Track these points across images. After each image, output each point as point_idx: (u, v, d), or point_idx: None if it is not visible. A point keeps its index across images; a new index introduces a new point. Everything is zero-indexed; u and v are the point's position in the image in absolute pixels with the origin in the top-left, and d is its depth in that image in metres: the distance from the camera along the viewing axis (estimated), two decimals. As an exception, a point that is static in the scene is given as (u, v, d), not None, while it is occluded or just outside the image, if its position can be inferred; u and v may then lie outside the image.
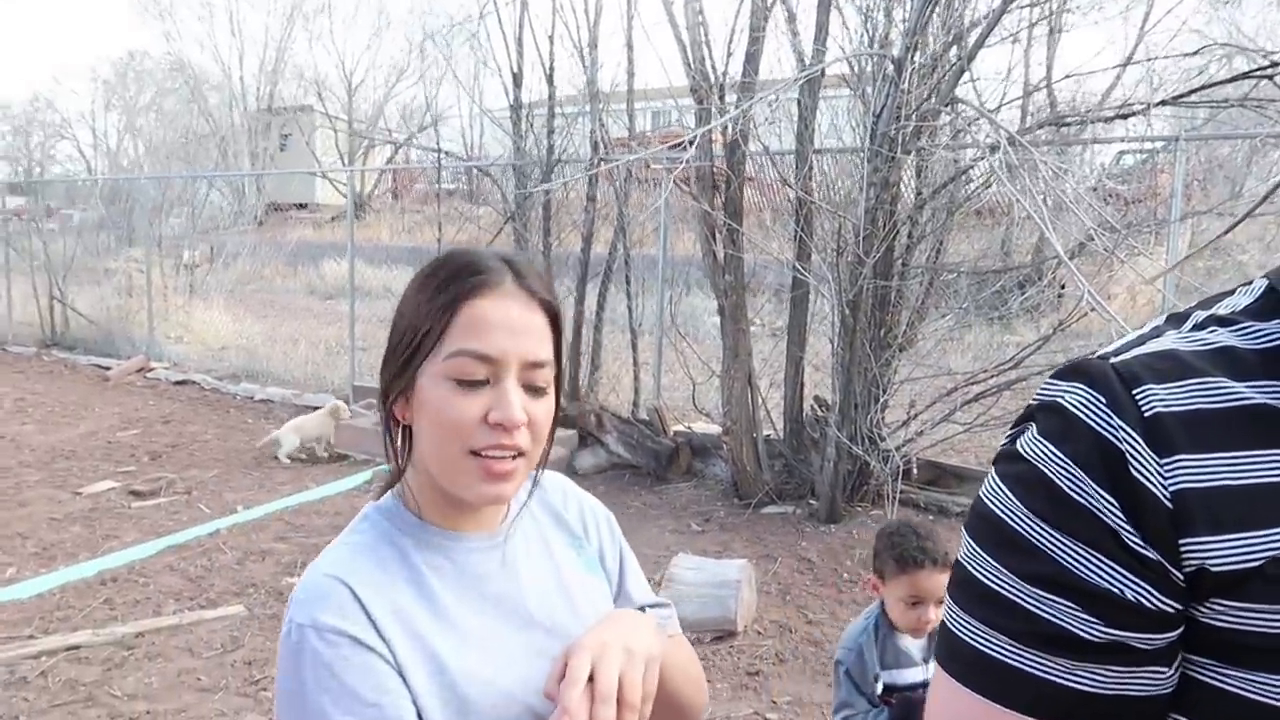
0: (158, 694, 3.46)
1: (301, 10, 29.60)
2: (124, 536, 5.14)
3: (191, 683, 3.55)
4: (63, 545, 4.98)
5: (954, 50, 5.21)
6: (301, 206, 25.88)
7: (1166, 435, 0.60)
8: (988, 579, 0.63)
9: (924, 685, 2.06)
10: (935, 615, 2.02)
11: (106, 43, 65.99)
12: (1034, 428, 0.65)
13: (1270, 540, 0.58)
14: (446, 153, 9.97)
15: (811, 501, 5.58)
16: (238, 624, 4.08)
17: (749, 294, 6.37)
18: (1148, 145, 7.08)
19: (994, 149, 4.47)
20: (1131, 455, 0.60)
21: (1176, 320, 0.69)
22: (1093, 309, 4.22)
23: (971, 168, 5.28)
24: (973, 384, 5.22)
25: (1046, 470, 0.62)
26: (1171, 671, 0.62)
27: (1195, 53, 5.57)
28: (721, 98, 5.72)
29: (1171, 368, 0.62)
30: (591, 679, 0.81)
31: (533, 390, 0.93)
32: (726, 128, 5.57)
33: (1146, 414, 0.61)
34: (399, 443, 0.98)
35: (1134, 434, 0.60)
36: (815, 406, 5.73)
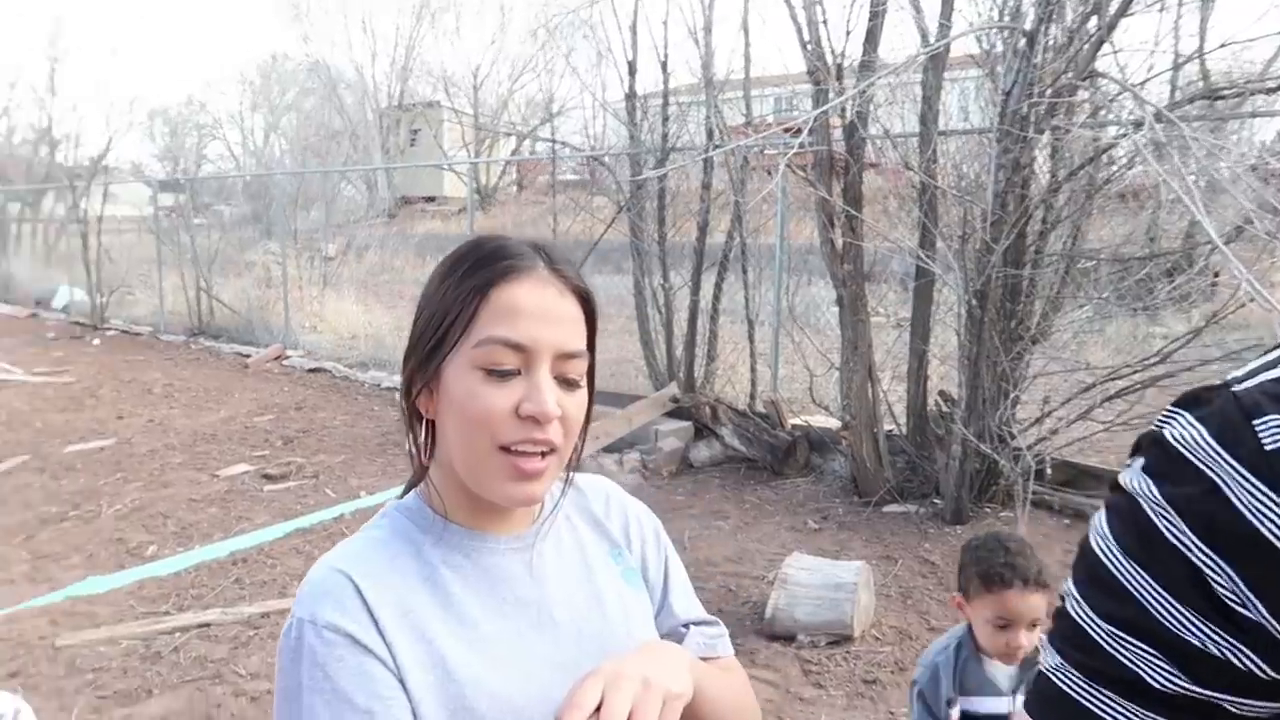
0: (279, 675, 3.57)
1: (429, 8, 30.41)
2: (255, 518, 5.36)
3: (310, 665, 3.65)
4: (199, 526, 5.24)
5: (1093, 20, 4.84)
6: (430, 199, 26.67)
7: None
8: (1075, 613, 0.61)
9: (1007, 718, 1.87)
10: (1027, 640, 1.82)
11: (254, 47, 69.73)
12: (1143, 460, 0.61)
13: None
14: (562, 143, 10.03)
15: (935, 501, 5.34)
16: (356, 608, 4.18)
17: (871, 283, 6.13)
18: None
19: (1138, 126, 4.13)
20: (1240, 495, 0.54)
21: None
22: (1252, 299, 3.84)
23: (1113, 147, 4.91)
24: (1115, 379, 4.86)
25: (1142, 507, 0.59)
26: None
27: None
28: (839, 79, 5.51)
29: None
30: (600, 709, 0.74)
31: (566, 383, 0.87)
32: (844, 110, 5.36)
33: (1269, 447, 0.54)
34: (422, 438, 0.93)
35: (1243, 471, 0.54)
36: (940, 401, 5.46)
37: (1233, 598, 0.54)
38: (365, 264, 15.11)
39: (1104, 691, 0.59)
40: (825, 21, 5.48)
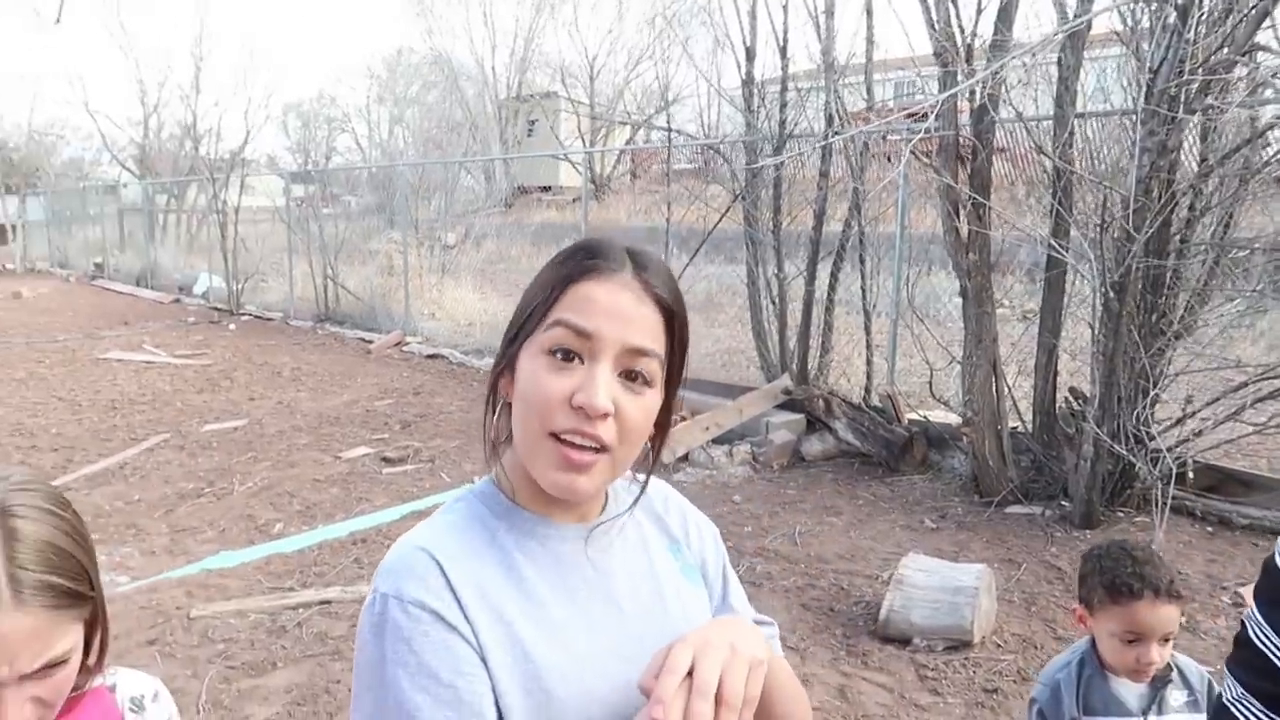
0: (394, 654, 3.66)
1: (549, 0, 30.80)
2: (374, 500, 5.53)
3: (424, 646, 3.73)
4: (322, 505, 5.43)
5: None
6: (546, 189, 27.06)
7: None
8: (1261, 640, 0.57)
9: None
10: (1158, 655, 1.68)
11: (381, 41, 72.15)
12: None
13: None
14: (678, 131, 9.96)
15: (1063, 503, 5.07)
16: (468, 592, 4.25)
17: (996, 274, 5.87)
18: None
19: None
20: None
21: None
22: None
23: (1273, 127, 4.54)
24: (1270, 378, 4.50)
25: None
26: None
27: None
28: (969, 60, 5.26)
29: None
30: (691, 674, 0.75)
31: (630, 380, 0.87)
32: (973, 93, 5.12)
33: None
34: (495, 418, 0.94)
35: None
36: (1071, 399, 5.18)
37: None
38: (483, 253, 15.45)
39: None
40: (954, 0, 5.25)
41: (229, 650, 3.66)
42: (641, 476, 1.00)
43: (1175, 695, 1.75)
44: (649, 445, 0.94)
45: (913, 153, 5.10)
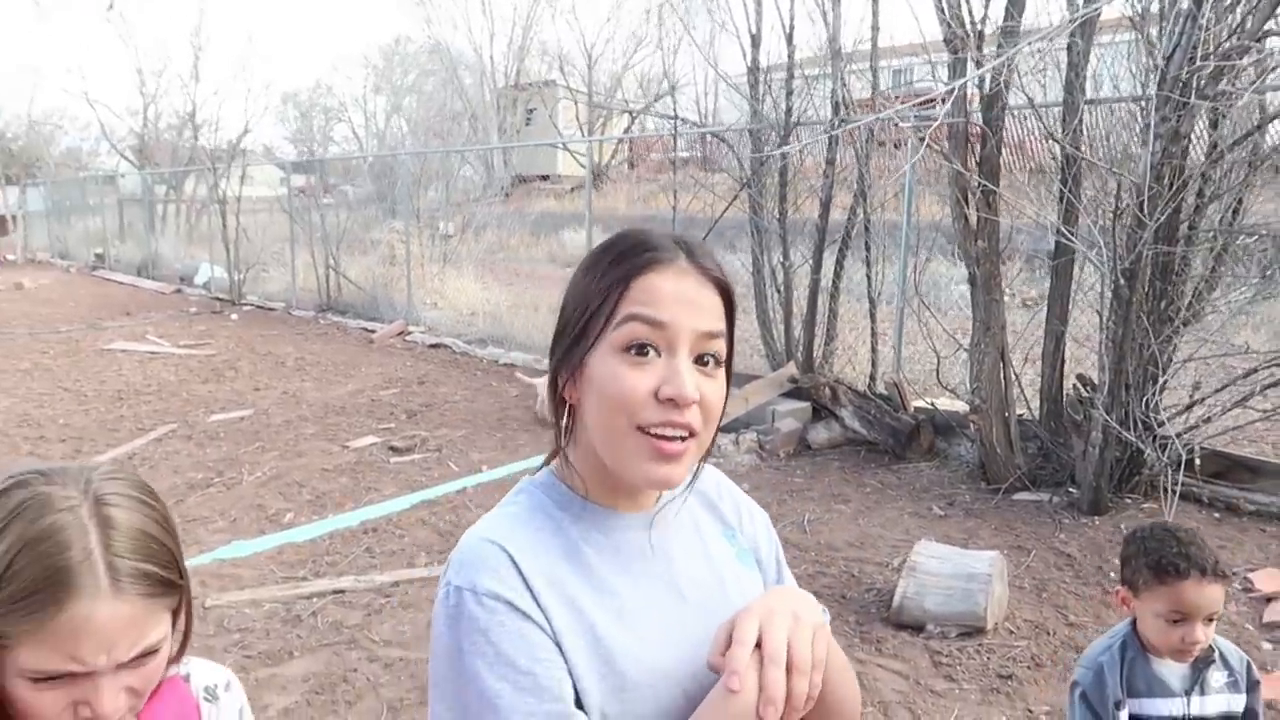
0: (409, 642, 3.67)
1: (546, -12, 30.70)
2: (383, 489, 5.54)
3: (439, 634, 3.74)
4: (331, 495, 5.44)
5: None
6: (545, 178, 26.99)
7: None
8: None
9: None
10: (1203, 635, 1.69)
11: (378, 30, 71.81)
12: None
13: None
14: (683, 119, 9.93)
15: (1071, 490, 5.08)
16: (481, 580, 4.26)
17: (1000, 262, 5.86)
18: None
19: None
20: None
21: None
22: None
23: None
24: (1278, 364, 4.51)
25: None
26: None
27: None
28: (979, 47, 5.25)
29: None
30: (759, 645, 0.78)
31: (705, 365, 0.88)
32: (984, 81, 5.11)
33: None
34: (565, 421, 0.95)
35: None
36: (1079, 386, 5.19)
37: None
38: (483, 242, 15.41)
39: None
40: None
41: (245, 640, 3.67)
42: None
43: (1216, 676, 1.77)
44: None
45: (921, 139, 5.07)
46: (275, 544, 4.67)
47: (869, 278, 6.84)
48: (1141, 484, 4.95)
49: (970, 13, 5.21)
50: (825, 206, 6.82)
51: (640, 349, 0.86)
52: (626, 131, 26.45)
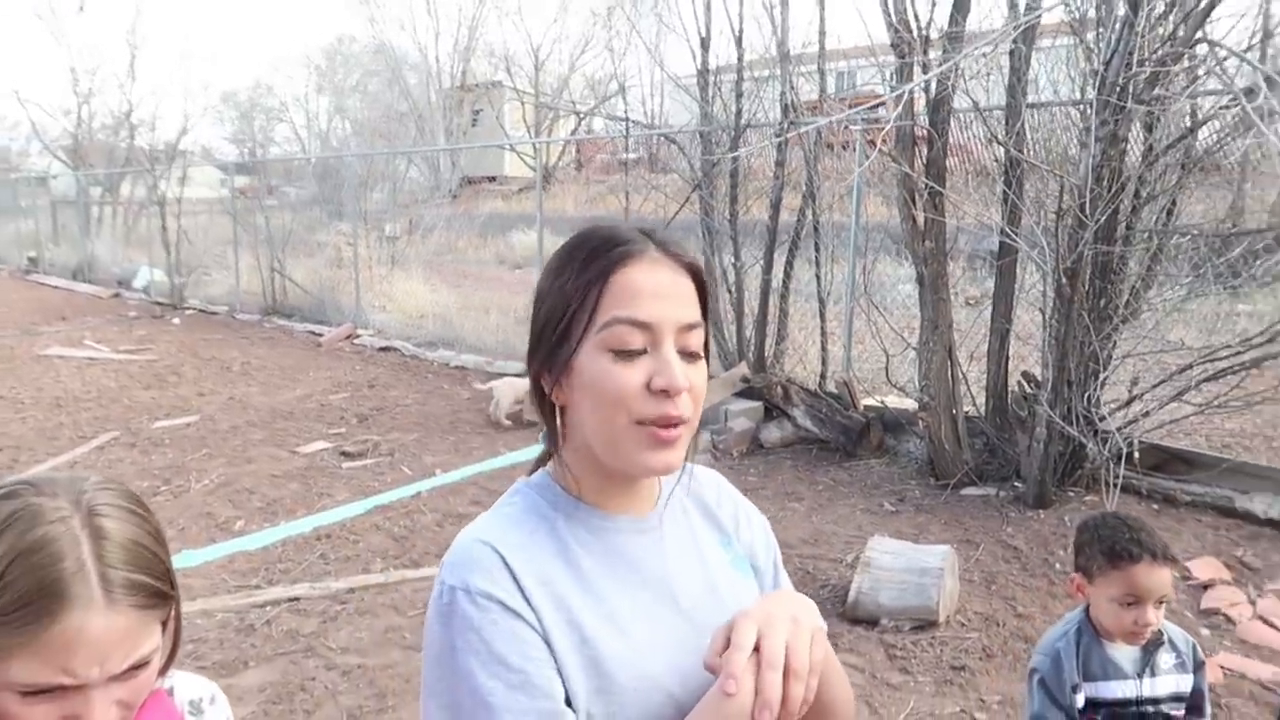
0: (367, 649, 3.64)
1: (492, -12, 30.49)
2: (335, 495, 5.47)
3: (398, 640, 3.71)
4: (283, 501, 5.35)
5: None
6: (492, 179, 26.83)
7: None
8: None
9: (1135, 703, 1.82)
10: (1154, 617, 1.78)
11: (320, 30, 70.70)
12: None
13: None
14: (634, 121, 9.95)
15: (1017, 484, 5.21)
16: (438, 584, 4.23)
17: (946, 262, 5.97)
18: None
19: (1250, 93, 3.94)
20: None
21: None
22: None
23: (1213, 118, 4.69)
24: (1210, 360, 4.68)
25: None
26: None
27: None
28: (925, 51, 5.35)
29: None
30: (757, 649, 0.78)
31: (688, 355, 0.91)
32: (930, 84, 5.21)
33: None
34: (555, 422, 0.96)
35: None
36: (1023, 383, 5.32)
37: None
38: (431, 244, 15.27)
39: None
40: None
41: (198, 650, 3.60)
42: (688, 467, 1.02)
43: (1165, 658, 1.85)
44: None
45: (870, 143, 5.17)
46: (226, 552, 4.58)
47: (818, 278, 6.93)
48: (1084, 477, 5.09)
49: (916, 18, 5.32)
50: (775, 208, 6.89)
51: (630, 353, 0.88)
52: (574, 133, 26.41)
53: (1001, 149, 5.31)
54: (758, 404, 6.70)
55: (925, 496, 5.36)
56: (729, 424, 6.47)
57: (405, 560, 4.51)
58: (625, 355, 0.88)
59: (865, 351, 6.94)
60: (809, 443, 6.42)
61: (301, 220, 14.73)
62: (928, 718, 3.18)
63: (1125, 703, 1.83)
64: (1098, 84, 4.48)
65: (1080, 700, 1.82)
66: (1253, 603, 3.93)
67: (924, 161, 5.37)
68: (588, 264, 0.91)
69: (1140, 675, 1.83)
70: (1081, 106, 4.86)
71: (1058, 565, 4.35)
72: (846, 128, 6.03)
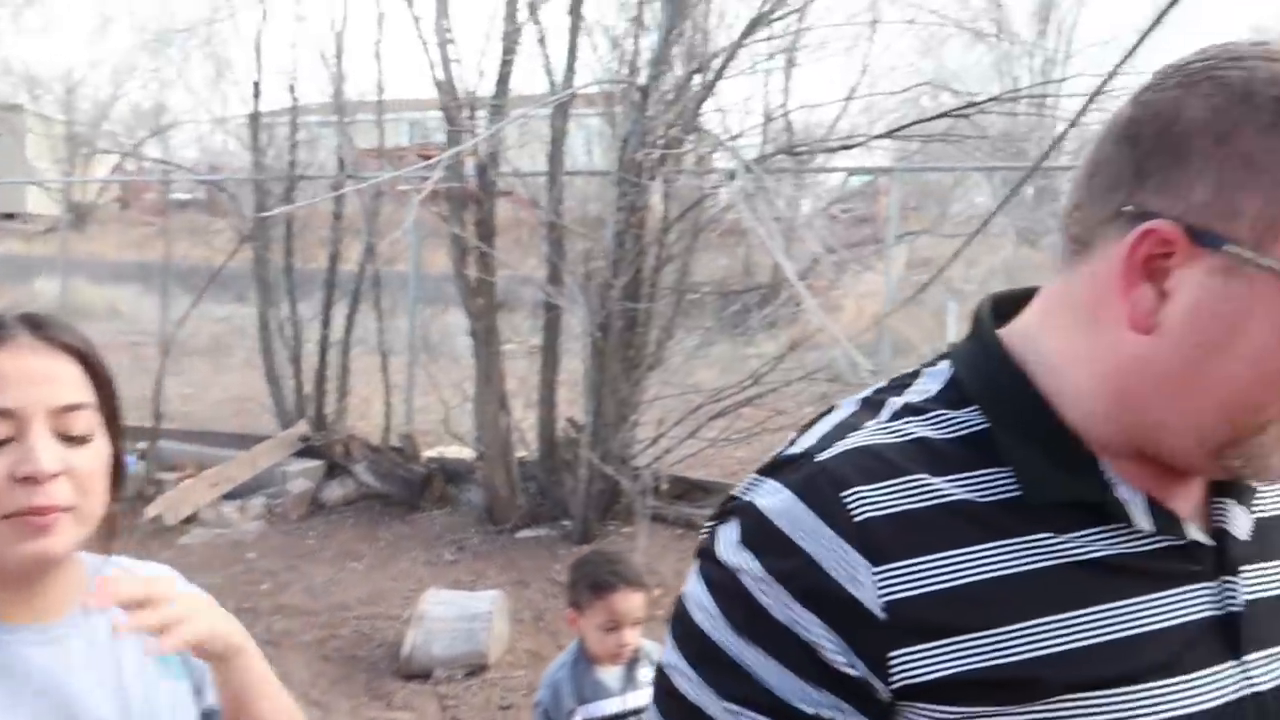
0: None
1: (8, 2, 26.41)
2: None
3: None
4: None
5: (697, 79, 5.41)
6: (9, 216, 23.03)
7: (878, 542, 0.59)
8: (688, 692, 0.62)
9: (622, 716, 2.07)
10: (631, 638, 2.04)
11: None
12: (736, 530, 0.63)
13: (974, 645, 0.59)
14: (177, 165, 9.19)
15: (565, 523, 5.58)
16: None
17: (508, 311, 6.30)
18: (867, 173, 7.74)
19: (732, 176, 4.69)
20: (841, 567, 0.59)
21: (872, 407, 0.68)
22: (820, 329, 4.51)
23: (709, 196, 5.50)
24: (716, 400, 5.42)
25: (747, 584, 0.61)
26: None
27: (904, 90, 6.15)
28: (473, 116, 5.63)
29: (879, 467, 0.62)
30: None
31: (72, 439, 0.87)
32: (478, 148, 5.49)
33: (858, 519, 0.60)
34: None
35: (844, 543, 0.59)
36: (569, 427, 5.74)
37: (841, 660, 0.59)
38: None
39: None
40: (458, 60, 5.58)
41: None
42: (118, 559, 0.97)
43: (644, 672, 2.11)
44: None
45: (422, 204, 5.30)
46: None
47: (380, 331, 6.90)
48: (621, 511, 5.59)
49: (464, 85, 5.58)
50: (333, 260, 6.76)
51: None
52: (115, 170, 23.64)
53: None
54: (319, 463, 6.46)
55: (483, 543, 5.52)
56: (287, 486, 6.16)
57: None
58: None
59: (429, 403, 7.02)
60: (372, 499, 6.32)
61: None
62: (473, 761, 3.26)
63: (615, 718, 2.05)
64: (619, 159, 5.03)
65: None
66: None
67: (475, 221, 5.61)
68: None
69: (624, 691, 2.06)
70: (609, 177, 5.42)
71: (599, 595, 4.71)
72: (400, 183, 6.13)
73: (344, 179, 6.40)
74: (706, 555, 0.66)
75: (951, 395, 0.66)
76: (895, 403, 0.67)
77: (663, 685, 0.66)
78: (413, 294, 6.79)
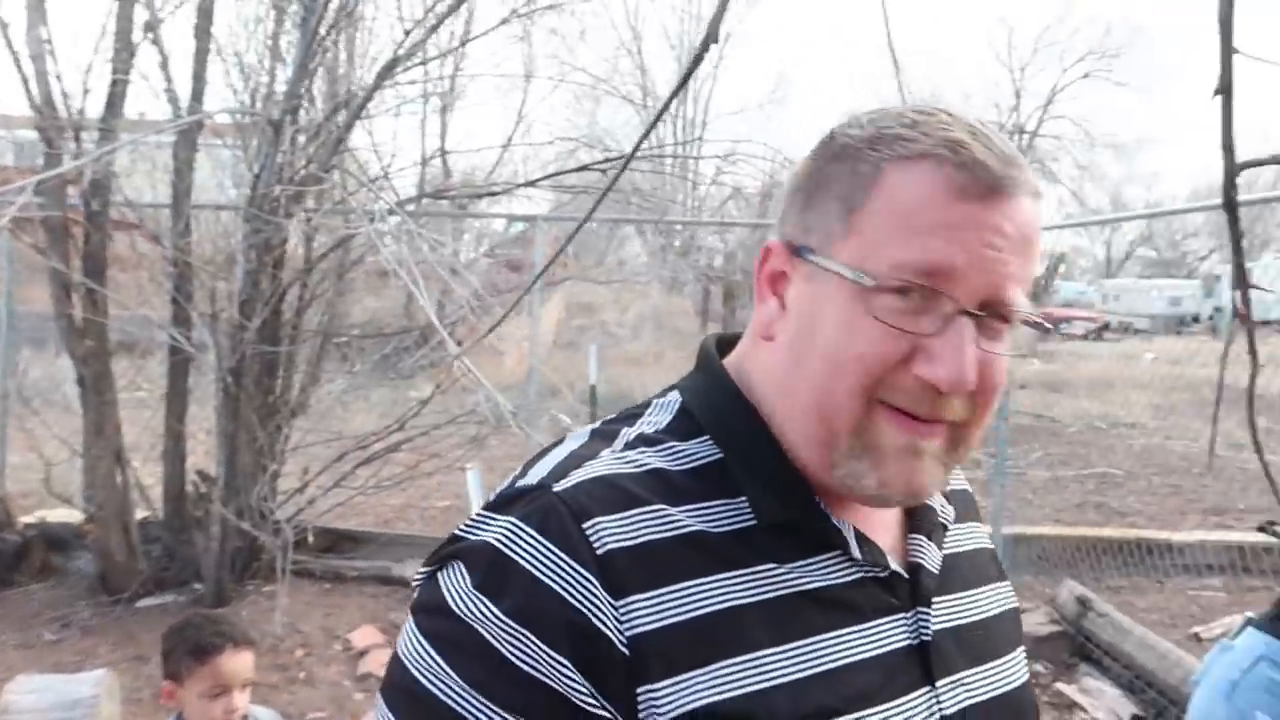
0: None
1: None
2: None
3: None
4: None
5: (341, 115, 5.26)
6: None
7: (620, 575, 0.58)
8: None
9: None
10: (240, 702, 1.92)
11: None
12: (465, 575, 0.59)
13: (709, 678, 0.58)
14: None
15: (196, 586, 5.11)
16: None
17: (129, 355, 5.67)
18: (521, 220, 7.98)
19: (373, 218, 4.61)
20: (587, 603, 0.57)
21: (605, 437, 0.68)
22: (466, 373, 4.54)
23: (353, 236, 5.37)
24: (362, 447, 5.27)
25: (484, 632, 0.57)
26: None
27: (550, 142, 6.44)
28: (77, 139, 5.04)
29: (618, 497, 0.61)
30: None
31: None
32: (83, 174, 4.92)
33: (599, 551, 0.58)
34: None
35: (588, 577, 0.57)
36: (198, 481, 5.28)
37: (593, 703, 0.56)
38: None
39: None
40: (59, 76, 4.97)
41: None
42: None
43: None
44: None
45: (12, 232, 4.65)
46: None
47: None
48: (262, 568, 5.22)
49: (67, 106, 4.98)
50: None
51: None
52: None
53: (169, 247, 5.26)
54: (-126, 537, 5.38)
55: (95, 616, 4.90)
56: None
57: None
58: None
59: (28, 461, 6.11)
60: (-50, 578, 5.37)
61: None
62: None
63: None
64: (250, 194, 4.76)
65: None
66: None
67: (81, 255, 5.02)
68: None
69: None
70: (240, 212, 5.10)
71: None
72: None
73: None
74: (429, 609, 0.61)
75: (682, 426, 0.68)
76: (628, 433, 0.67)
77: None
78: (5, 336, 5.90)
